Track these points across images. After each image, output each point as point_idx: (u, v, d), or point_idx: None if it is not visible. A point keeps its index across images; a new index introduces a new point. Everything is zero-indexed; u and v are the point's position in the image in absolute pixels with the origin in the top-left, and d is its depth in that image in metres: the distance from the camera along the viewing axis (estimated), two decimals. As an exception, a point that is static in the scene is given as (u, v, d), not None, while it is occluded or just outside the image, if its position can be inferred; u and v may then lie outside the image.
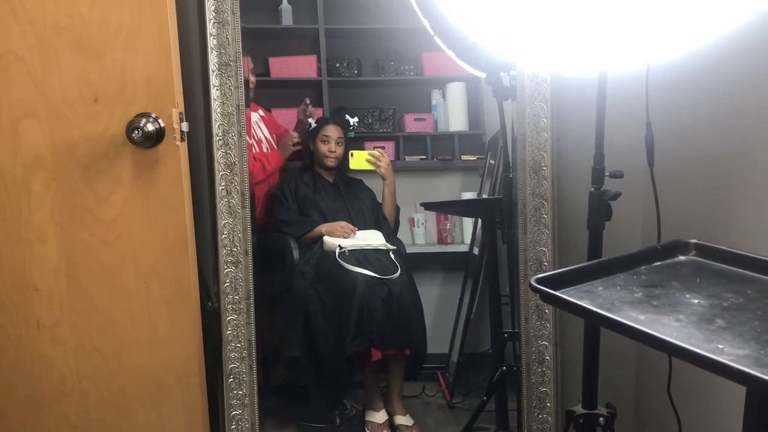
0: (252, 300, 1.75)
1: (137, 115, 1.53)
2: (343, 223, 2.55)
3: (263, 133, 2.65)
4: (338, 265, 2.36)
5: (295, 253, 2.48)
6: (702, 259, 1.06)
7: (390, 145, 2.89)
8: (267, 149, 2.65)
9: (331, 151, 2.64)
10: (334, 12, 2.85)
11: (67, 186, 1.57)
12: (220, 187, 1.71)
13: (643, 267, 1.06)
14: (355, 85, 2.94)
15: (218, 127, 1.69)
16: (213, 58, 1.67)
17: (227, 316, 1.74)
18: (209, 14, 1.65)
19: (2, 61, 1.52)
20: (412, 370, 2.41)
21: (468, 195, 2.88)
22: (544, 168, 1.73)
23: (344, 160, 2.65)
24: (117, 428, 1.69)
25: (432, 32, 1.53)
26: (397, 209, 2.72)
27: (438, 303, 2.89)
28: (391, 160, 2.72)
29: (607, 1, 1.09)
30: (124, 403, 1.68)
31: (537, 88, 1.70)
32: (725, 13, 0.99)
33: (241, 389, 1.77)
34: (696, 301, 0.92)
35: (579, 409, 1.42)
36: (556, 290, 0.96)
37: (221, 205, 1.71)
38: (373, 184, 2.75)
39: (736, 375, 0.71)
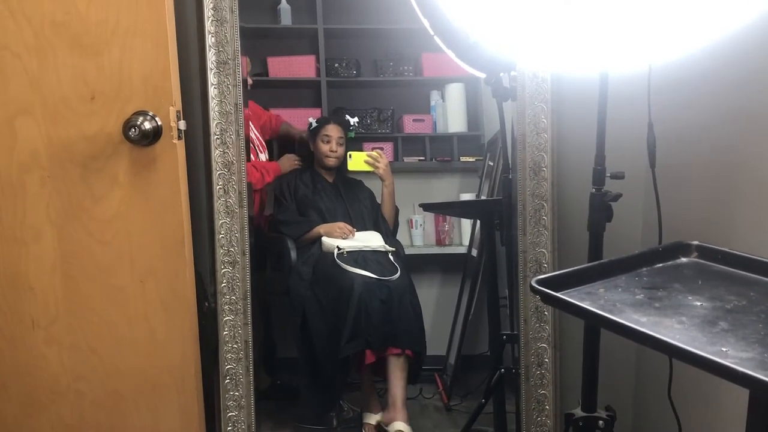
0: (249, 300, 1.74)
1: (134, 114, 1.52)
2: (341, 224, 2.54)
3: (253, 132, 2.64)
4: (336, 266, 2.35)
5: (293, 254, 2.46)
6: (704, 261, 1.05)
7: (389, 146, 2.89)
8: (259, 147, 2.64)
9: (332, 151, 2.63)
10: (333, 12, 2.85)
11: (63, 184, 1.56)
12: (218, 186, 1.69)
13: (644, 268, 1.05)
14: (354, 86, 2.93)
15: (216, 125, 1.67)
16: (211, 56, 1.66)
17: (224, 317, 1.73)
18: (207, 12, 1.64)
19: (-2, 58, 1.51)
20: (411, 372, 2.39)
21: (466, 196, 2.87)
22: (544, 169, 1.72)
23: (344, 160, 2.64)
24: (112, 429, 1.68)
25: (432, 32, 1.52)
26: (396, 210, 2.71)
27: (436, 304, 2.88)
28: (390, 161, 2.72)
29: (609, 1, 1.08)
30: (120, 403, 1.67)
31: (537, 89, 1.69)
32: (728, 14, 0.98)
33: (238, 390, 1.75)
34: (698, 304, 0.91)
35: (578, 412, 1.40)
36: (557, 292, 0.94)
37: (218, 205, 1.70)
38: (372, 185, 2.74)
39: (740, 378, 0.69)
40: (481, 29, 1.37)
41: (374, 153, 2.64)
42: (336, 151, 2.63)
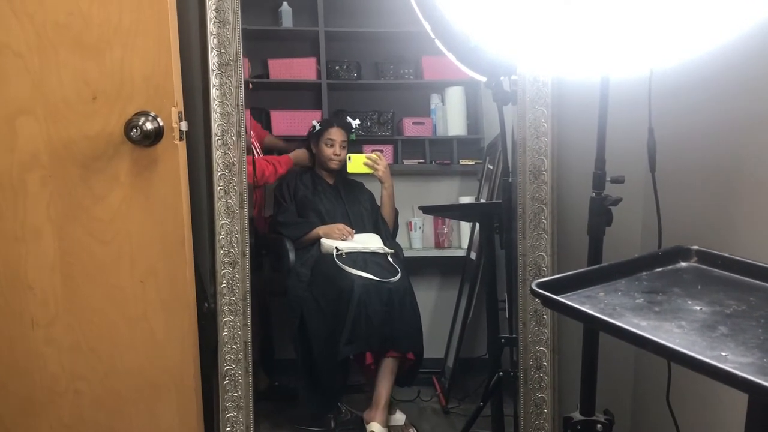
0: (249, 301, 1.74)
1: (136, 114, 1.52)
2: (340, 226, 2.54)
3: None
4: (336, 267, 2.35)
5: (292, 255, 2.47)
6: (704, 266, 1.05)
7: (388, 149, 2.89)
8: (256, 150, 2.64)
9: (336, 155, 2.63)
10: (334, 14, 2.86)
11: (64, 184, 1.56)
12: (219, 188, 1.69)
13: (644, 273, 1.05)
14: (355, 88, 2.94)
15: (217, 126, 1.68)
16: (213, 58, 1.66)
17: (223, 318, 1.73)
18: (210, 13, 1.64)
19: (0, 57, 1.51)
20: (408, 374, 2.40)
21: (466, 199, 2.87)
22: (544, 172, 1.73)
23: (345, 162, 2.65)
24: (110, 429, 1.68)
25: (433, 35, 1.52)
26: (396, 213, 2.71)
27: (434, 307, 2.88)
28: (390, 164, 2.72)
29: (611, 5, 1.08)
30: (118, 404, 1.67)
31: (538, 93, 1.70)
32: (729, 19, 0.98)
33: (237, 391, 1.75)
34: (698, 308, 0.91)
35: (577, 415, 1.40)
36: (557, 295, 0.95)
37: (219, 206, 1.70)
38: (371, 187, 2.74)
39: (740, 383, 0.70)
40: (482, 32, 1.37)
41: (374, 155, 2.64)
42: (339, 155, 2.64)
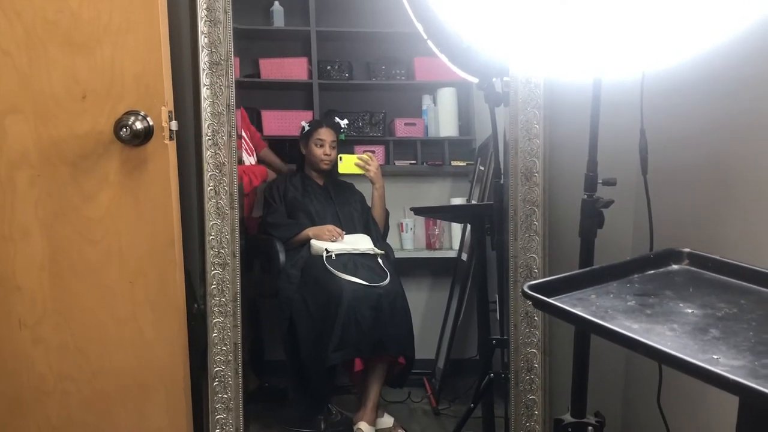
0: (239, 303, 1.73)
1: (126, 113, 1.51)
2: (330, 227, 2.53)
3: (243, 135, 2.64)
4: (325, 270, 2.34)
5: (282, 256, 2.46)
6: (695, 269, 1.05)
7: (380, 150, 2.89)
8: (247, 151, 2.63)
9: (326, 155, 2.62)
10: (326, 14, 2.85)
11: (53, 183, 1.55)
12: (209, 188, 1.68)
13: (635, 275, 1.05)
14: (346, 89, 2.93)
15: (208, 126, 1.67)
16: (204, 57, 1.65)
17: (213, 319, 1.72)
18: (201, 12, 1.63)
19: (-12, 55, 1.50)
20: (399, 377, 2.39)
21: (457, 201, 2.88)
22: (536, 174, 1.73)
23: (335, 163, 2.64)
24: (99, 430, 1.66)
25: (425, 36, 1.52)
26: (387, 214, 2.71)
27: (425, 308, 2.88)
28: (381, 165, 2.71)
29: (604, 8, 1.08)
30: (107, 404, 1.65)
31: (530, 94, 1.70)
32: (721, 22, 0.98)
33: (226, 393, 1.74)
34: (690, 311, 0.91)
35: (567, 417, 1.40)
36: (548, 297, 0.94)
37: (209, 206, 1.69)
38: (362, 188, 2.74)
39: (731, 386, 0.70)
40: (475, 33, 1.37)
41: (365, 156, 2.63)
42: (330, 155, 2.63)
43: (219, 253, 1.70)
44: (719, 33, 0.99)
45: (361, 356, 2.24)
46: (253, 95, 2.84)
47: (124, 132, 1.46)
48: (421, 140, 2.93)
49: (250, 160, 2.63)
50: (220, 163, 1.68)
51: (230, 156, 1.68)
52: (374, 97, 2.98)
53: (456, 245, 2.88)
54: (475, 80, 1.63)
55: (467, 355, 2.67)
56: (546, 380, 1.80)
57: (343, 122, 2.74)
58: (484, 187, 2.56)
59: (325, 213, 2.60)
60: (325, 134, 2.62)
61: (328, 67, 2.86)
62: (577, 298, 0.97)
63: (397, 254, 2.71)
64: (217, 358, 1.73)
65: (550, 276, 1.03)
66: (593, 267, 1.14)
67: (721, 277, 1.02)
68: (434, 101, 2.94)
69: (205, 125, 1.66)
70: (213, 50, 1.65)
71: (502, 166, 1.79)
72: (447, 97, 2.92)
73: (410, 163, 2.92)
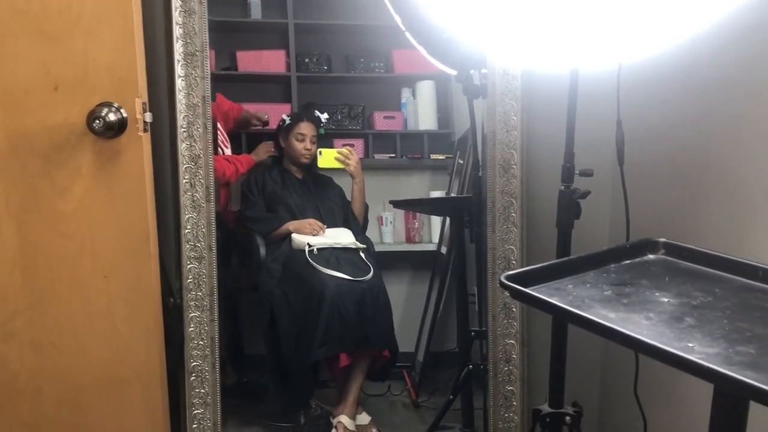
0: (216, 297, 1.71)
1: (99, 105, 1.49)
2: (312, 221, 2.51)
3: (218, 128, 2.61)
4: (308, 265, 2.32)
5: (262, 250, 2.44)
6: (671, 258, 1.06)
7: (359, 143, 2.87)
8: (222, 143, 2.60)
9: (307, 149, 2.60)
10: (304, 7, 2.82)
11: (24, 176, 1.52)
12: (184, 180, 1.66)
13: (612, 265, 1.05)
14: (325, 81, 2.91)
15: (183, 118, 1.65)
16: (179, 48, 1.63)
17: (190, 313, 1.70)
18: (175, 2, 1.61)
19: (-44, 44, 1.46)
20: (382, 370, 2.39)
21: (436, 194, 2.87)
22: (514, 166, 1.73)
23: (315, 157, 2.63)
24: (74, 427, 1.64)
25: (403, 28, 1.52)
26: (366, 207, 2.70)
27: (405, 302, 2.88)
28: (361, 158, 2.70)
29: (581, -2, 1.08)
30: (82, 400, 1.63)
31: (508, 86, 1.70)
32: (698, 14, 0.99)
33: (203, 388, 1.73)
34: (665, 300, 0.92)
35: (545, 408, 1.41)
36: (526, 287, 0.95)
37: (185, 199, 1.67)
38: (341, 182, 2.72)
39: (706, 373, 0.70)
40: (453, 25, 1.36)
41: (345, 150, 2.62)
42: (310, 149, 2.61)
43: (195, 246, 1.69)
44: (696, 25, 0.99)
45: (346, 351, 2.24)
46: (231, 88, 2.81)
47: (97, 124, 1.44)
48: (400, 133, 2.91)
49: (226, 151, 2.60)
50: (195, 155, 1.66)
51: (206, 148, 1.66)
52: (353, 90, 2.96)
53: (436, 238, 2.88)
54: (453, 72, 1.64)
55: (447, 347, 2.67)
56: (524, 371, 1.80)
57: (323, 116, 2.72)
58: (464, 180, 2.56)
59: (306, 207, 2.58)
60: (306, 128, 2.60)
61: (307, 60, 2.83)
62: (554, 288, 0.97)
63: (377, 248, 2.71)
64: (194, 352, 1.72)
65: (529, 266, 1.03)
66: (570, 257, 1.15)
67: (696, 266, 1.03)
68: (413, 94, 2.93)
69: (180, 117, 1.64)
70: (188, 41, 1.63)
71: (480, 159, 1.79)
72: (426, 90, 2.91)
73: (389, 157, 2.91)
